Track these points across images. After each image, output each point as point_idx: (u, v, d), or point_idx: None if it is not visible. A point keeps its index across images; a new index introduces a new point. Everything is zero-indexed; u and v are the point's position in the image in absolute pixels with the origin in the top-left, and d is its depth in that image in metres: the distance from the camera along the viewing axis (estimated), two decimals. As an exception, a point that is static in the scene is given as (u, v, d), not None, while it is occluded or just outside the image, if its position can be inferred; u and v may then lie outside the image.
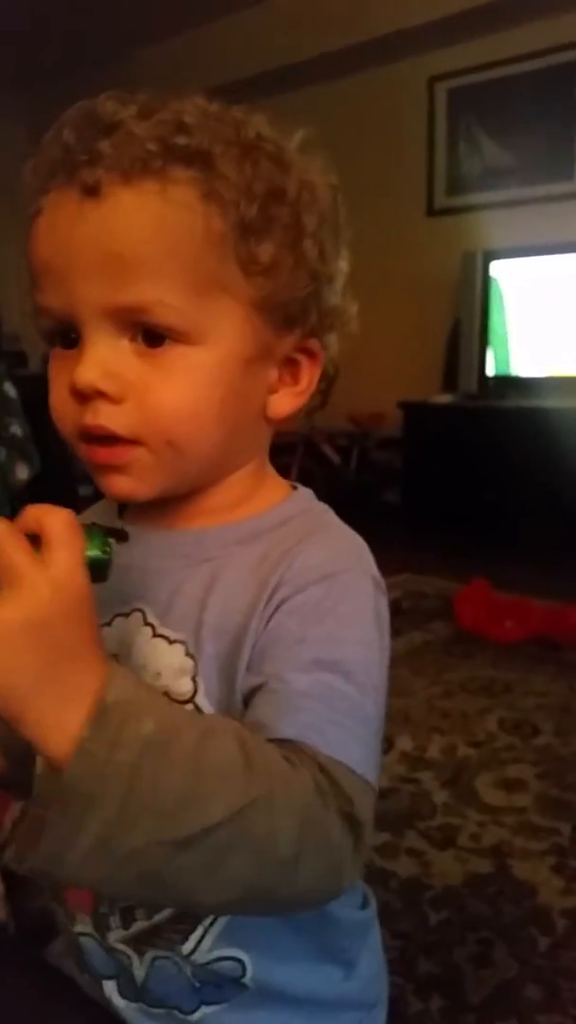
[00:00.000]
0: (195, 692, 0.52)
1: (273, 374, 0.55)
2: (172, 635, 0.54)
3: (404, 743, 1.82)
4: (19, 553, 0.40)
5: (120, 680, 0.41)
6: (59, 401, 0.52)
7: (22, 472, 2.19)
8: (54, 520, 0.42)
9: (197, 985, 0.56)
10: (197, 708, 0.52)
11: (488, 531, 3.23)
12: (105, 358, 0.49)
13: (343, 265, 0.56)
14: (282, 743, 0.45)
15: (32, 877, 0.38)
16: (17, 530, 0.42)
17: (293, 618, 0.50)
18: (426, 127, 3.89)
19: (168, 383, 0.49)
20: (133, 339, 0.49)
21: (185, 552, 0.56)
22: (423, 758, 1.76)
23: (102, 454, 0.51)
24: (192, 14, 4.13)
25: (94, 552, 0.45)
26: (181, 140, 0.47)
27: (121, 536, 0.49)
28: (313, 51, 3.91)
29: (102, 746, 0.38)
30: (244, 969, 0.55)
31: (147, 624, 0.55)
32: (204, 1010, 0.56)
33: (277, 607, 0.50)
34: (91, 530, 0.45)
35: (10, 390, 2.18)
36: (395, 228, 4.03)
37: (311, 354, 0.56)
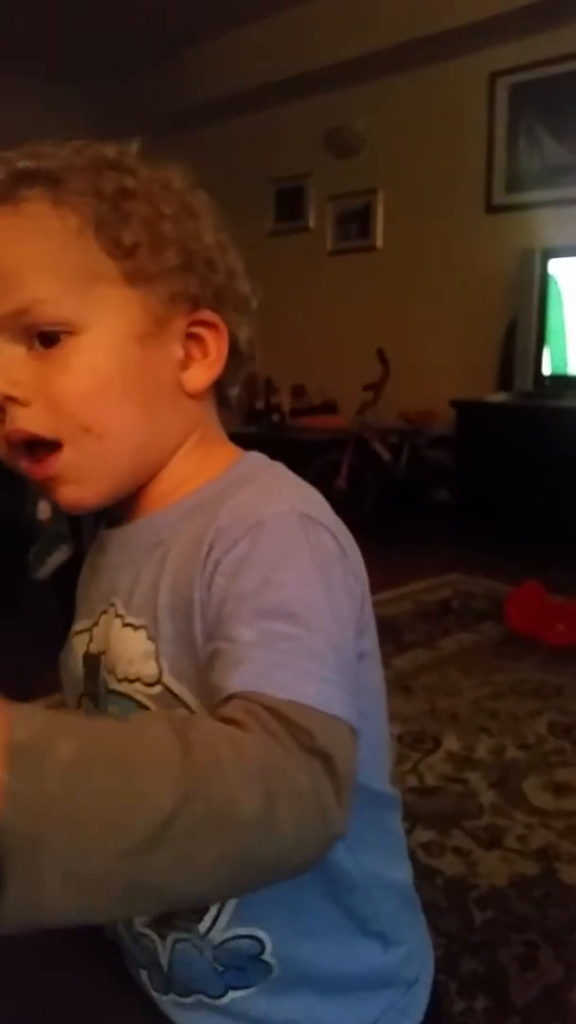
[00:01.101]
0: (161, 673, 0.53)
1: (178, 351, 0.57)
2: (136, 622, 0.56)
3: (451, 743, 1.81)
4: None
5: (23, 718, 0.37)
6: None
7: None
8: None
9: (220, 969, 0.56)
10: (166, 688, 0.53)
11: (540, 533, 3.19)
12: (5, 366, 0.53)
13: (222, 245, 0.60)
14: (230, 701, 0.44)
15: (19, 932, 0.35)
16: None
17: (226, 577, 0.50)
18: (486, 123, 3.84)
19: (66, 372, 0.53)
20: (31, 347, 0.53)
21: (140, 541, 0.58)
22: (471, 758, 1.75)
23: (36, 470, 0.55)
24: (248, 10, 4.14)
25: None
26: (27, 166, 0.53)
27: None
28: (374, 46, 3.90)
29: (27, 785, 0.35)
30: (263, 946, 0.55)
31: (117, 616, 0.57)
32: (232, 995, 0.57)
33: (212, 572, 0.51)
34: None
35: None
36: (453, 225, 4.00)
37: (211, 326, 0.58)
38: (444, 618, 2.69)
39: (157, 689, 0.53)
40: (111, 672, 0.57)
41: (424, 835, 1.49)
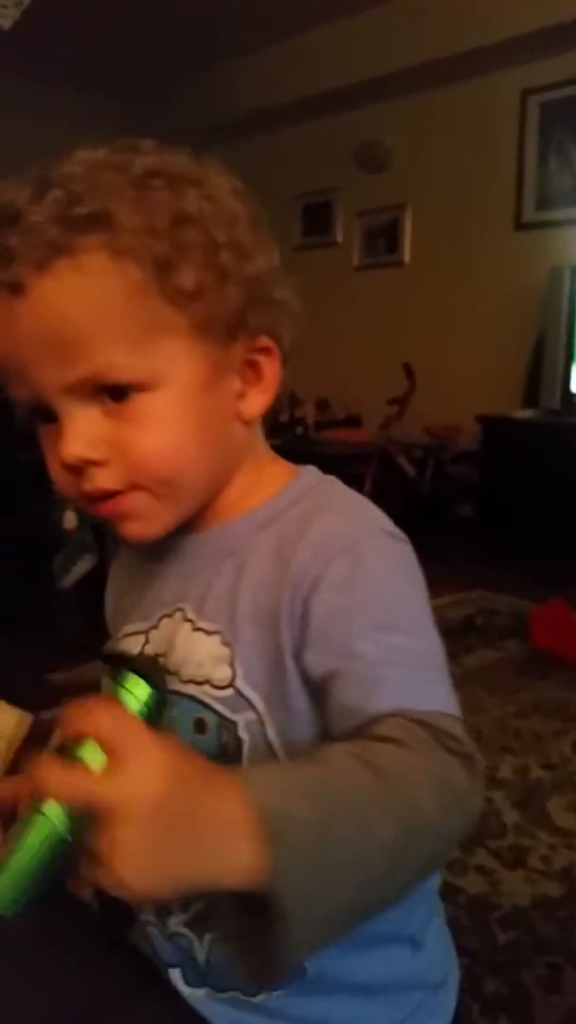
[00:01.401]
0: (234, 677, 0.56)
1: (236, 382, 0.57)
2: (209, 627, 0.58)
3: (474, 760, 1.80)
4: (125, 738, 0.39)
5: (254, 788, 0.40)
6: (56, 474, 0.56)
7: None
8: (105, 724, 0.40)
9: None
10: (238, 691, 0.56)
11: (565, 549, 3.17)
12: (82, 430, 0.53)
13: (271, 258, 0.57)
14: (381, 720, 0.48)
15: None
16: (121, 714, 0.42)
17: (334, 594, 0.52)
18: (516, 141, 3.85)
19: (143, 432, 0.53)
20: (101, 402, 0.53)
21: (211, 550, 0.60)
22: (494, 777, 1.73)
23: (105, 508, 0.55)
24: (279, 27, 4.19)
25: (145, 705, 0.43)
26: (78, 211, 0.49)
27: (156, 674, 0.46)
28: (405, 63, 3.92)
29: (282, 857, 0.38)
30: None
31: (187, 620, 0.59)
32: (264, 994, 0.58)
33: (312, 587, 0.53)
34: (132, 681, 0.44)
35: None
36: (482, 242, 4.00)
37: (266, 350, 0.58)
38: (468, 635, 2.67)
39: (228, 692, 0.56)
40: (174, 674, 0.58)
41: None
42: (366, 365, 4.51)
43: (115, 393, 0.52)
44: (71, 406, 0.53)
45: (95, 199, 0.49)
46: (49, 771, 0.39)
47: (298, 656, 0.53)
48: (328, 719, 0.52)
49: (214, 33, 4.21)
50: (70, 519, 2.36)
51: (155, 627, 0.61)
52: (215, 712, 0.56)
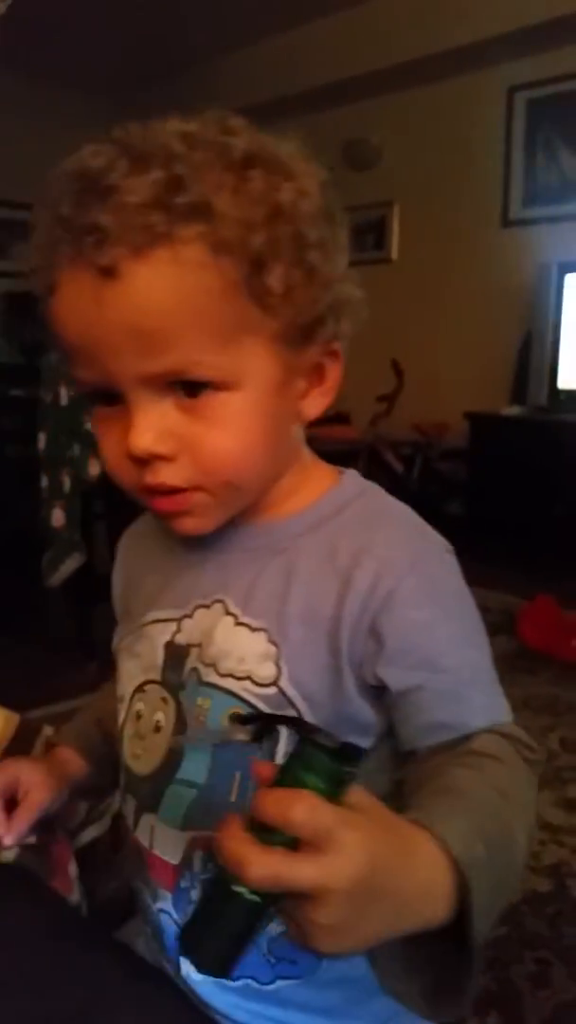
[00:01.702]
0: (278, 676, 0.55)
1: (302, 384, 0.56)
2: (254, 623, 0.57)
3: (463, 756, 1.80)
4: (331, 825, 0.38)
5: (444, 842, 0.41)
6: (115, 461, 0.54)
7: (94, 468, 2.24)
8: (299, 818, 0.38)
9: (273, 960, 0.57)
10: (281, 691, 0.55)
11: (554, 546, 3.18)
12: (154, 422, 0.50)
13: (346, 256, 0.56)
14: (478, 736, 0.52)
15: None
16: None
17: (412, 609, 0.53)
18: (504, 138, 3.85)
19: (215, 431, 0.51)
20: (175, 395, 0.51)
21: (256, 545, 0.59)
22: (482, 772, 1.74)
23: (164, 504, 0.54)
24: (266, 24, 4.18)
25: (333, 785, 0.40)
26: (180, 199, 0.46)
27: (350, 758, 0.43)
28: (391, 60, 3.92)
29: (480, 894, 0.41)
30: None
31: (229, 614, 0.58)
32: (280, 983, 0.58)
33: (384, 603, 0.53)
34: (315, 765, 0.41)
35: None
36: (470, 238, 4.00)
37: (334, 353, 0.57)
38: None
39: (271, 691, 0.55)
40: (210, 665, 0.57)
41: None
42: (354, 362, 4.43)
43: (191, 388, 0.50)
44: (145, 397, 0.50)
45: (197, 187, 0.46)
46: (247, 852, 0.38)
47: (363, 666, 0.53)
48: (408, 730, 0.53)
49: (201, 30, 4.19)
50: (58, 517, 2.35)
51: (189, 616, 0.60)
52: (253, 708, 0.55)
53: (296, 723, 0.49)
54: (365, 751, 0.46)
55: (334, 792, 0.40)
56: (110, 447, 0.54)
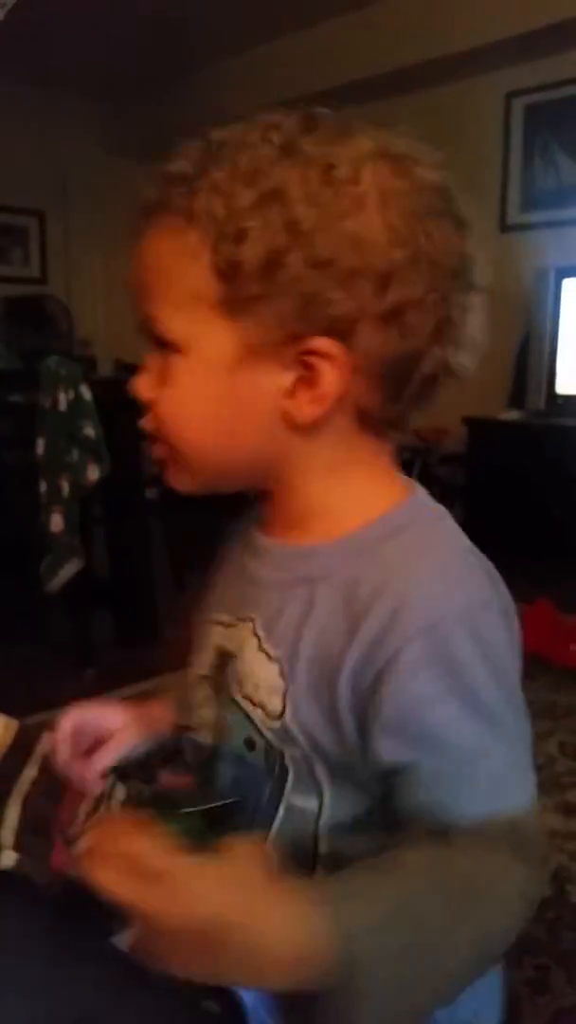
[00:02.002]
0: (283, 712, 0.54)
1: (283, 377, 0.52)
2: (272, 652, 0.56)
3: (462, 761, 1.80)
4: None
5: (337, 921, 0.41)
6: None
7: (93, 473, 2.25)
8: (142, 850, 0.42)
9: None
10: (285, 728, 0.54)
11: (553, 551, 3.18)
12: (144, 370, 0.56)
13: (393, 245, 0.52)
14: (464, 826, 0.48)
15: None
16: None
17: (413, 679, 0.49)
18: (502, 143, 3.86)
19: (167, 390, 0.55)
20: (160, 351, 0.55)
21: (289, 567, 0.57)
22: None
23: (150, 449, 0.59)
24: (265, 28, 4.19)
25: (193, 838, 0.43)
26: (177, 192, 0.52)
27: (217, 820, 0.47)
28: (389, 66, 3.93)
29: (371, 983, 0.42)
30: None
31: (255, 635, 0.57)
32: None
33: (387, 664, 0.49)
34: (177, 819, 0.45)
35: (85, 393, 2.23)
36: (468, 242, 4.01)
37: (327, 356, 0.51)
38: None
39: (277, 724, 0.54)
40: (238, 682, 0.58)
41: (435, 854, 1.47)
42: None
43: (162, 346, 0.54)
44: (146, 346, 0.56)
45: (210, 169, 0.52)
46: (105, 859, 0.42)
47: (361, 717, 0.51)
48: (397, 804, 0.51)
49: (197, 35, 4.20)
50: (56, 522, 2.35)
51: (234, 625, 0.60)
52: (264, 737, 0.55)
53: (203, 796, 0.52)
54: (233, 815, 0.51)
55: (198, 842, 0.42)
56: None
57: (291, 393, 0.53)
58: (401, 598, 0.50)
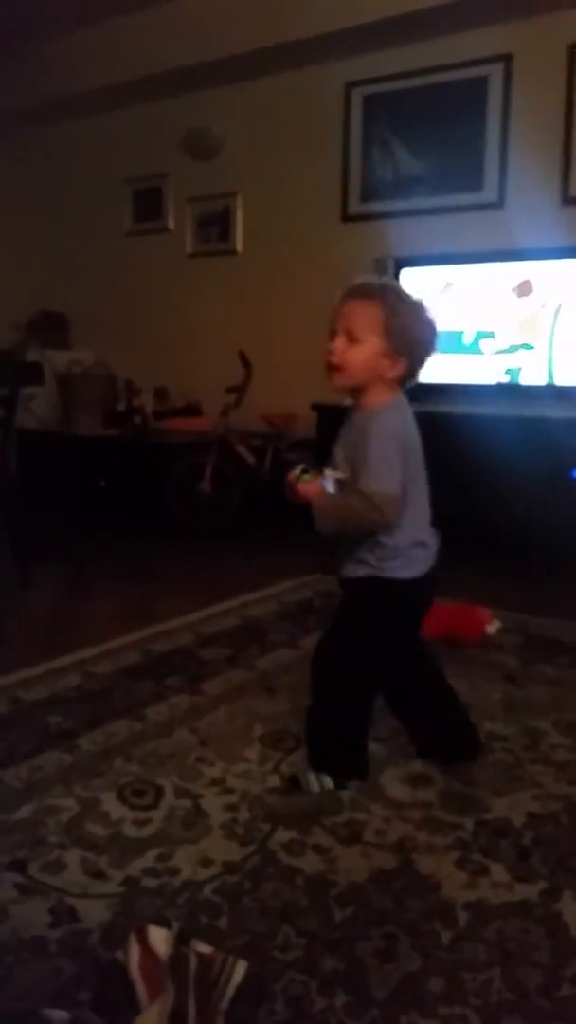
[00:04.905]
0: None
1: (386, 362, 1.55)
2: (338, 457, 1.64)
3: (312, 741, 1.82)
4: None
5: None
6: (325, 354, 1.58)
7: None
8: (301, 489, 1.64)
9: None
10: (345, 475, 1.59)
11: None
12: (338, 345, 1.56)
13: (416, 327, 1.58)
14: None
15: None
16: None
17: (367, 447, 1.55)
18: (342, 132, 3.93)
19: (349, 353, 1.55)
20: (347, 339, 1.56)
21: (351, 426, 1.63)
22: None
23: (332, 368, 1.58)
24: (106, 6, 4.06)
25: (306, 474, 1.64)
26: (372, 282, 1.63)
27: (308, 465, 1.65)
28: (229, 50, 3.91)
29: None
30: None
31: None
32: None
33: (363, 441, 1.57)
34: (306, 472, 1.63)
35: None
36: (311, 232, 4.06)
37: (396, 361, 1.56)
38: (306, 617, 2.71)
39: (343, 474, 1.59)
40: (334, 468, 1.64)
41: (285, 835, 1.48)
42: (203, 353, 4.48)
43: (352, 339, 1.54)
44: (341, 338, 1.56)
45: (382, 296, 1.57)
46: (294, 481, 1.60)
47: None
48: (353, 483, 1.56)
49: (39, 9, 4.01)
50: None
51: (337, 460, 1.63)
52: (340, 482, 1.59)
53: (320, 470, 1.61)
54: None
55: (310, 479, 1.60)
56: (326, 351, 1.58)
57: (386, 367, 1.55)
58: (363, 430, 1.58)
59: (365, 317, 1.54)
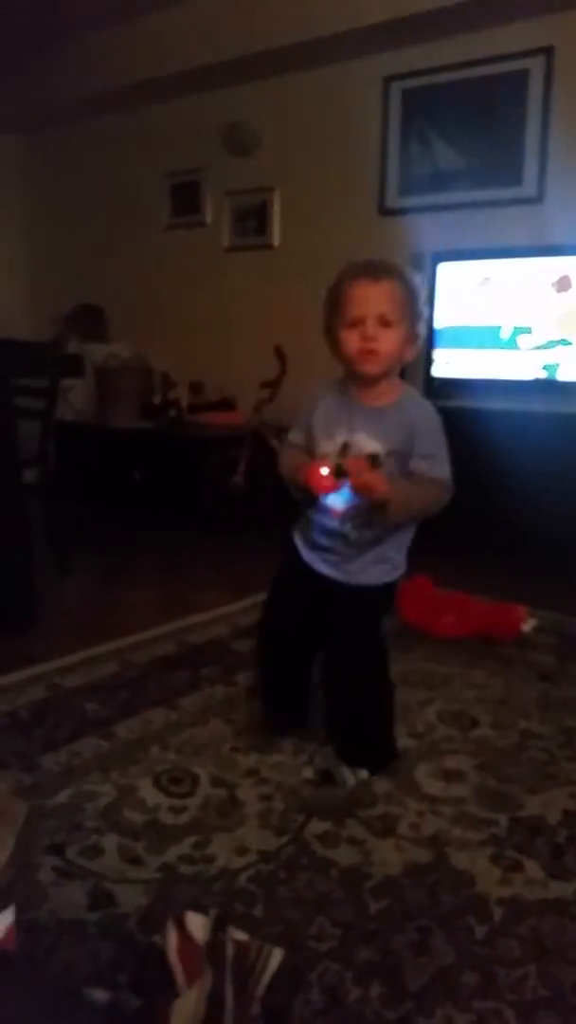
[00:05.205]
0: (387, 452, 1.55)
1: (408, 344, 1.54)
2: (376, 440, 1.56)
3: (346, 735, 1.83)
4: None
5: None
6: (355, 341, 1.50)
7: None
8: (366, 476, 1.52)
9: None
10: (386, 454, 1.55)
11: (430, 527, 3.26)
12: (375, 332, 1.49)
13: (423, 318, 1.57)
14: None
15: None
16: None
17: (421, 442, 1.56)
18: (380, 126, 3.91)
19: (382, 339, 1.49)
20: (382, 324, 1.49)
21: (376, 410, 1.57)
22: (365, 750, 1.77)
23: (368, 354, 1.51)
24: (144, 3, 4.08)
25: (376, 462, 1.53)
26: (393, 264, 1.56)
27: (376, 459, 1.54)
28: (268, 44, 3.90)
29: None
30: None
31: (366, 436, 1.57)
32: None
33: (416, 436, 1.56)
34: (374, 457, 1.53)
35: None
36: (348, 226, 4.05)
37: (415, 345, 1.56)
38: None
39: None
40: (358, 448, 1.55)
41: (319, 826, 1.49)
42: (239, 347, 4.49)
43: (385, 323, 1.48)
44: (372, 322, 1.49)
45: (402, 274, 1.53)
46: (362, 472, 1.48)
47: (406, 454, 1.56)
48: (413, 470, 1.55)
49: (77, 5, 4.04)
50: None
51: (351, 439, 1.55)
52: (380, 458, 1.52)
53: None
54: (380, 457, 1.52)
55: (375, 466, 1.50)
56: (355, 339, 1.50)
57: (409, 351, 1.55)
58: (416, 420, 1.56)
59: (394, 298, 1.48)
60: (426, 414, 1.56)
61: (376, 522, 1.56)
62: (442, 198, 3.75)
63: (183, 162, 4.67)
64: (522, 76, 3.49)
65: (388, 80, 3.85)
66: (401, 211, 3.89)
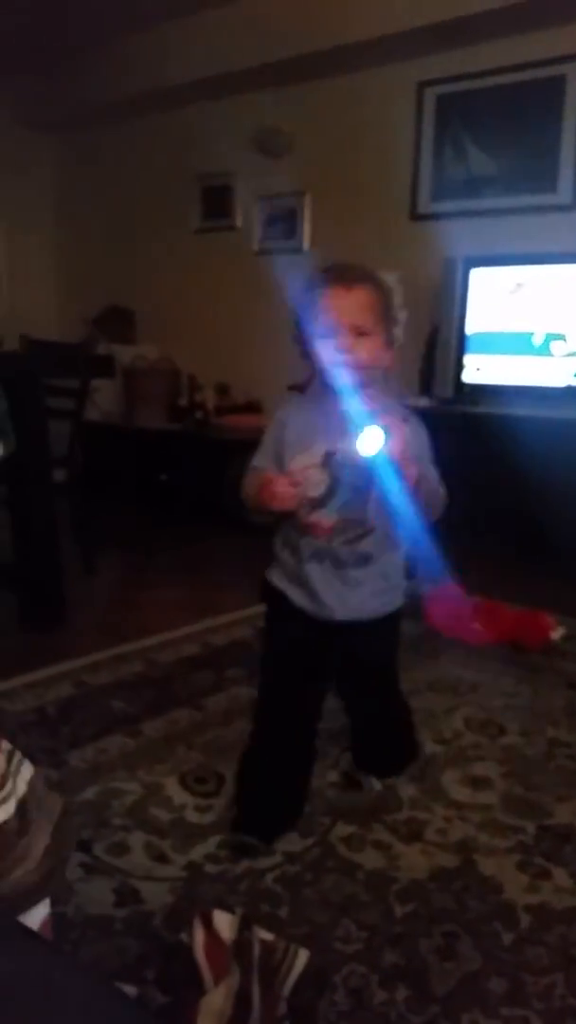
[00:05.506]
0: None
1: (385, 351, 1.41)
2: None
3: (372, 739, 1.82)
4: None
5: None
6: (330, 352, 1.37)
7: (-3, 450, 2.16)
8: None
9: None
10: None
11: (460, 533, 3.24)
12: (352, 341, 1.35)
13: (400, 322, 1.47)
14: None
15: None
16: None
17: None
18: (413, 132, 3.90)
19: (359, 348, 1.36)
20: (357, 334, 1.36)
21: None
22: (391, 754, 1.76)
23: (348, 360, 1.36)
24: (179, 5, 4.11)
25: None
26: (366, 272, 1.43)
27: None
28: (302, 49, 3.91)
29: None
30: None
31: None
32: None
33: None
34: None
35: (-12, 367, 2.14)
36: (379, 231, 4.04)
37: (391, 351, 1.44)
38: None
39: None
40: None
41: (345, 829, 1.49)
42: (266, 351, 4.50)
43: (360, 333, 1.36)
44: (349, 334, 1.36)
45: (376, 281, 1.43)
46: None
47: None
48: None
49: (111, 9, 4.08)
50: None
51: (339, 447, 1.35)
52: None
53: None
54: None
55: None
56: (331, 348, 1.37)
57: (387, 358, 1.42)
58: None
59: (369, 306, 1.36)
60: (414, 421, 1.44)
61: (366, 538, 1.41)
62: (475, 204, 3.74)
63: (215, 165, 4.69)
64: (558, 82, 3.48)
65: (422, 85, 3.84)
66: (434, 216, 3.88)
